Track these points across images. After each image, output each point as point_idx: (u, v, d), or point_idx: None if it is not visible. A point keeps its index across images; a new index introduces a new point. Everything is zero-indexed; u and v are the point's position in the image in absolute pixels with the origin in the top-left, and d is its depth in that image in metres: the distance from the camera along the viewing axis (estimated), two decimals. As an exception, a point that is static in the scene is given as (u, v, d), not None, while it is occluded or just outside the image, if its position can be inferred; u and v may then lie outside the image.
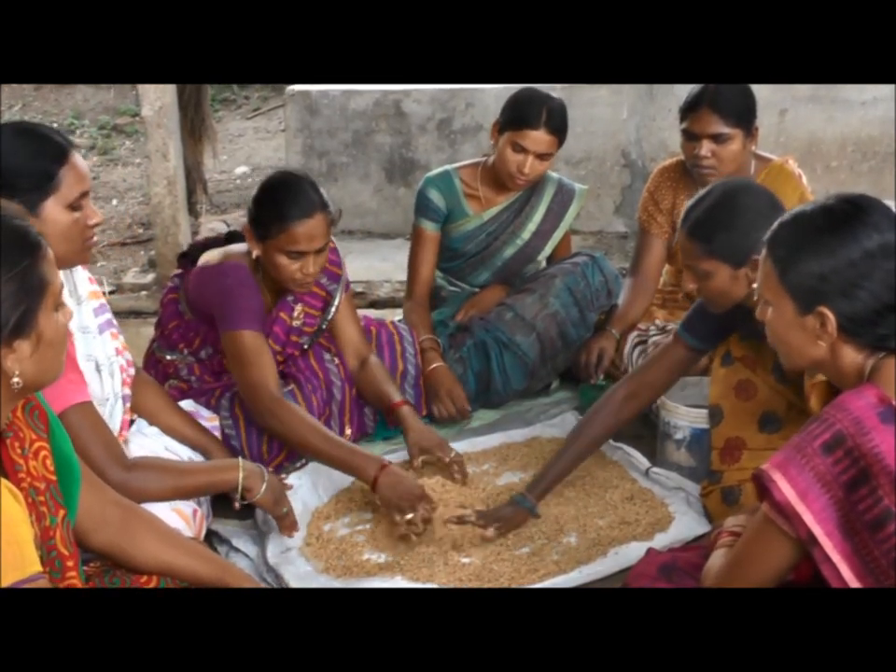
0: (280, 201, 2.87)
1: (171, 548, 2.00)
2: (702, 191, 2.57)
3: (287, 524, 2.69)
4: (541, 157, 3.42)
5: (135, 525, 1.97)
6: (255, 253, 2.93)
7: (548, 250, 3.68)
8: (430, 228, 3.57)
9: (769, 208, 2.46)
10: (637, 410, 2.85)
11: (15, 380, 1.62)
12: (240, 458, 2.63)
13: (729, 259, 2.46)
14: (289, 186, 2.91)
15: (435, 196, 3.56)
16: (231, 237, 3.17)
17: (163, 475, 2.41)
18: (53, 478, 1.77)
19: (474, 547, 2.66)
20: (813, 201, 1.88)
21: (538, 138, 3.38)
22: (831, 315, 1.76)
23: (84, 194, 2.32)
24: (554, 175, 3.71)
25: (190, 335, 3.10)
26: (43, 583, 1.55)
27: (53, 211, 2.26)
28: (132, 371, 2.64)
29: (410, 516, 2.65)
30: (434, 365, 3.42)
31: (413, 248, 3.61)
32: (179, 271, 3.18)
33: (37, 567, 1.55)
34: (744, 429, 2.72)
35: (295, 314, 3.12)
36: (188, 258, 3.16)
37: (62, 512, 1.76)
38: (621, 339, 3.47)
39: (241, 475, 2.55)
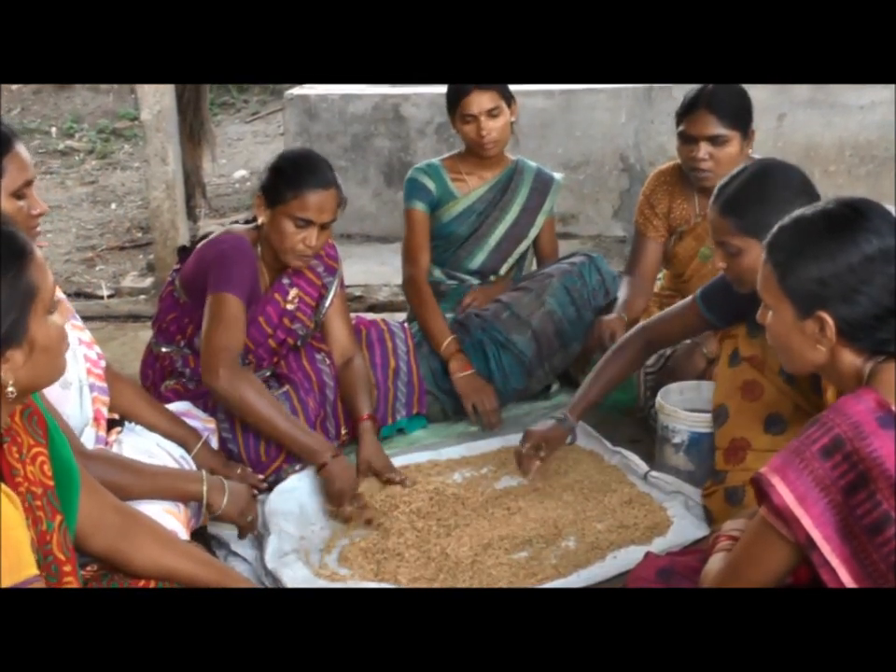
0: (298, 169, 2.98)
1: (170, 552, 1.98)
2: (735, 170, 2.58)
3: (248, 529, 2.65)
4: (491, 114, 3.49)
5: (135, 530, 1.96)
6: (261, 219, 3.00)
7: (538, 225, 3.72)
8: (423, 208, 3.62)
9: (801, 187, 2.49)
10: (652, 354, 3.10)
11: (10, 389, 1.60)
12: (203, 472, 2.57)
13: (761, 235, 2.44)
14: (308, 158, 3.06)
15: (426, 180, 3.64)
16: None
17: (121, 471, 2.34)
18: (51, 483, 1.75)
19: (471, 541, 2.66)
20: (813, 204, 1.88)
21: (476, 100, 3.47)
22: (830, 320, 1.76)
23: (28, 183, 2.34)
24: (532, 163, 3.78)
25: (185, 322, 3.10)
26: (39, 586, 1.54)
27: None
28: (103, 363, 2.63)
29: (330, 509, 2.82)
30: (459, 375, 3.44)
31: (410, 231, 3.64)
32: (178, 266, 3.19)
33: (33, 570, 1.54)
34: (749, 430, 2.72)
35: (289, 297, 3.14)
36: (187, 252, 3.18)
37: (58, 518, 1.74)
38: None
39: (204, 488, 2.50)
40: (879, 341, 1.75)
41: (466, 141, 3.61)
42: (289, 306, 3.14)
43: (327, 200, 2.98)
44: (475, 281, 3.71)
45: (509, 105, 3.53)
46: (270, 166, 3.04)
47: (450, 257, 3.70)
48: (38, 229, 2.42)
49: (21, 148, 2.35)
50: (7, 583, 1.47)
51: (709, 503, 2.78)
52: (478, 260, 3.70)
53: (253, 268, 2.98)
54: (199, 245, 3.09)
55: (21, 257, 1.60)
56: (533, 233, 3.72)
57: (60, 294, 2.44)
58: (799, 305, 1.79)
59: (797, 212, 1.87)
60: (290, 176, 2.95)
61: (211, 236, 3.10)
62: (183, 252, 3.23)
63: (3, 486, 1.56)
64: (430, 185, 3.63)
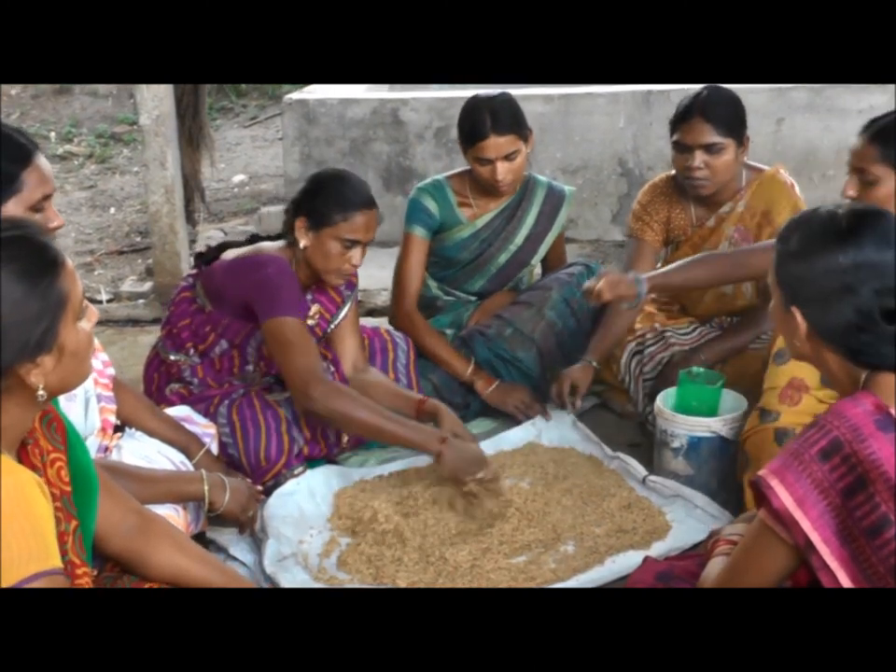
0: (344, 191, 3.00)
1: (186, 556, 2.01)
2: None
3: (249, 524, 2.68)
4: (508, 158, 3.40)
5: (152, 532, 1.98)
6: (303, 243, 3.01)
7: (541, 253, 3.68)
8: (422, 234, 3.54)
9: None
10: None
11: (40, 393, 1.64)
12: (203, 471, 2.59)
13: None
14: (349, 179, 3.07)
15: (430, 203, 3.55)
16: (253, 240, 3.21)
17: (121, 479, 2.30)
18: (67, 489, 1.78)
19: (468, 547, 2.66)
20: (832, 203, 1.87)
21: (493, 145, 3.37)
22: (800, 319, 1.78)
23: (46, 197, 2.34)
24: (543, 178, 3.71)
25: (205, 330, 3.09)
26: (61, 580, 1.56)
27: (14, 212, 2.27)
28: (109, 371, 2.63)
29: (480, 475, 2.81)
30: (488, 391, 3.41)
31: (404, 256, 3.57)
32: (195, 271, 3.18)
33: (58, 563, 1.57)
34: (810, 372, 2.62)
35: (311, 313, 3.16)
36: (203, 258, 3.17)
37: (74, 523, 1.77)
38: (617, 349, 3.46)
39: (206, 487, 2.51)
40: (851, 350, 1.75)
41: (478, 178, 3.49)
42: (310, 321, 3.15)
43: (372, 219, 3.02)
44: (472, 298, 3.69)
45: (526, 141, 3.43)
46: (308, 190, 3.05)
47: (449, 276, 3.66)
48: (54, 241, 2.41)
49: (41, 161, 2.34)
50: (32, 570, 1.51)
51: (749, 445, 2.71)
52: (477, 284, 3.67)
53: (298, 287, 3.01)
54: (232, 259, 3.07)
55: (53, 266, 1.64)
56: (536, 259, 3.68)
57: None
58: (783, 296, 1.83)
59: (813, 208, 1.88)
60: (337, 199, 2.98)
61: (246, 254, 3.08)
62: (199, 258, 3.21)
63: (37, 477, 1.61)
64: (433, 208, 3.55)
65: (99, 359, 2.60)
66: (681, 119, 3.27)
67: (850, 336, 1.74)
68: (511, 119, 3.39)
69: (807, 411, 2.59)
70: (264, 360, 3.13)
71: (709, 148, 3.23)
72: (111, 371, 2.65)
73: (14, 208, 2.27)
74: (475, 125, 3.38)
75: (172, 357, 3.13)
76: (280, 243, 3.11)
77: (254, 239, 3.21)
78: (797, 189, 3.36)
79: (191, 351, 3.11)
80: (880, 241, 1.74)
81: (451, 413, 3.16)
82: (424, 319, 3.55)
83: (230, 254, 3.11)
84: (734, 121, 3.25)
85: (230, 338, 3.08)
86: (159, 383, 3.17)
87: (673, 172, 3.46)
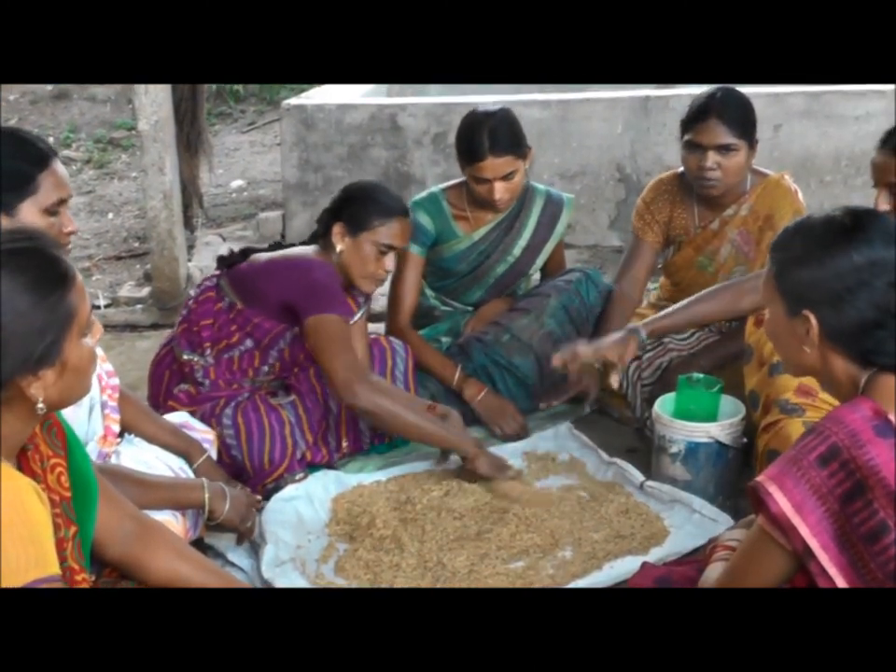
0: (383, 198, 3.14)
1: (184, 562, 2.01)
2: None
3: (247, 534, 2.68)
4: (505, 178, 3.37)
5: (151, 538, 1.99)
6: (339, 248, 3.11)
7: (539, 263, 3.67)
8: (417, 251, 3.52)
9: None
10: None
11: (39, 406, 1.65)
12: (204, 479, 2.59)
13: None
14: (383, 189, 3.25)
15: (424, 220, 3.52)
16: (278, 246, 3.26)
17: (123, 483, 2.30)
18: (67, 494, 1.78)
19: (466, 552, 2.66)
20: (823, 210, 1.89)
21: (490, 166, 3.34)
22: (814, 321, 1.78)
23: (62, 201, 2.37)
24: (541, 186, 3.69)
25: (230, 329, 3.09)
26: (59, 586, 1.56)
27: (29, 213, 2.29)
28: (114, 382, 2.63)
29: (511, 472, 3.02)
30: (477, 399, 3.40)
31: (399, 273, 3.54)
32: (217, 272, 3.19)
33: (57, 570, 1.57)
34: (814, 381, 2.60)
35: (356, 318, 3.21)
36: (226, 261, 3.19)
37: (73, 529, 1.77)
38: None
39: (206, 496, 2.51)
40: (864, 350, 1.76)
41: (476, 195, 3.45)
42: None
43: (407, 227, 3.18)
44: (470, 309, 3.68)
45: (524, 159, 3.40)
46: (346, 197, 3.16)
47: (446, 287, 3.65)
48: (69, 247, 2.43)
49: (58, 166, 2.38)
50: (32, 577, 1.51)
51: (773, 440, 2.62)
52: (475, 295, 3.66)
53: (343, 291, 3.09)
54: (271, 261, 3.09)
55: (63, 281, 1.65)
56: (535, 269, 3.66)
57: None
58: (789, 304, 1.82)
59: (805, 215, 1.90)
60: (376, 206, 3.11)
61: (287, 254, 3.13)
62: (222, 262, 3.21)
63: (35, 485, 1.62)
64: (428, 223, 3.51)
65: (103, 369, 2.60)
66: (695, 119, 3.26)
67: (865, 334, 1.75)
68: (509, 140, 3.35)
69: (823, 406, 2.53)
70: (281, 363, 3.15)
71: (723, 149, 3.22)
72: (115, 381, 2.65)
73: (29, 209, 2.30)
74: (473, 145, 3.35)
75: (185, 357, 3.12)
76: (311, 248, 3.17)
77: (279, 246, 3.26)
78: (800, 195, 3.37)
79: (207, 351, 3.11)
80: (886, 237, 1.77)
81: (459, 417, 3.17)
82: (417, 335, 3.54)
83: (261, 257, 3.14)
84: (747, 123, 3.27)
85: (257, 337, 3.08)
86: (168, 381, 3.16)
87: (680, 170, 3.46)
